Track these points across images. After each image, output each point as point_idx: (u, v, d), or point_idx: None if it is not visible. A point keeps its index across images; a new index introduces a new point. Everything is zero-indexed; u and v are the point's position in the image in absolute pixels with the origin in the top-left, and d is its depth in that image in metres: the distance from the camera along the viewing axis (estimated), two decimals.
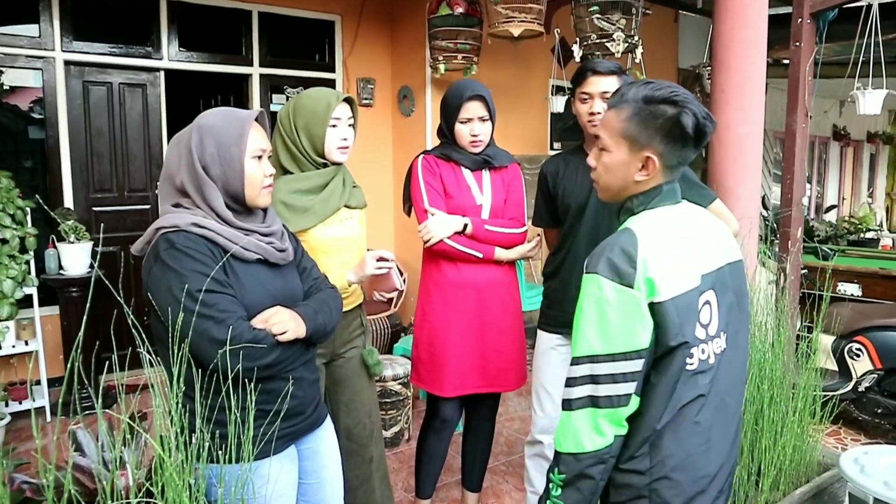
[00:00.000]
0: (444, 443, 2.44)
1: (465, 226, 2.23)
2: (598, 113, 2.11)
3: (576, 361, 1.20)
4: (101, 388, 1.47)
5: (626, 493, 1.23)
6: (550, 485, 1.25)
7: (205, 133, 1.42)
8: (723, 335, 1.27)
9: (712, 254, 1.28)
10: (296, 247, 1.64)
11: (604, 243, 1.23)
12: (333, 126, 1.97)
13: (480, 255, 2.25)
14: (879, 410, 3.39)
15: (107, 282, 1.31)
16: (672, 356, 1.19)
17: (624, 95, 1.26)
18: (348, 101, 2.02)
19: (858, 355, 3.40)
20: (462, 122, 2.22)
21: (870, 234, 8.87)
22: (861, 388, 3.43)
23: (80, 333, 1.29)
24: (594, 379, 1.18)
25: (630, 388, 1.17)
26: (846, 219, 9.81)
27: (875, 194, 11.81)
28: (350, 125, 2.03)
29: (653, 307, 1.16)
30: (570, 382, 1.21)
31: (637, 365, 1.17)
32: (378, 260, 1.96)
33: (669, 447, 1.21)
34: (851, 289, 4.20)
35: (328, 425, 1.70)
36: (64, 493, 1.14)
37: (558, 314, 2.25)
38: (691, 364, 1.21)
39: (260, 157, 1.47)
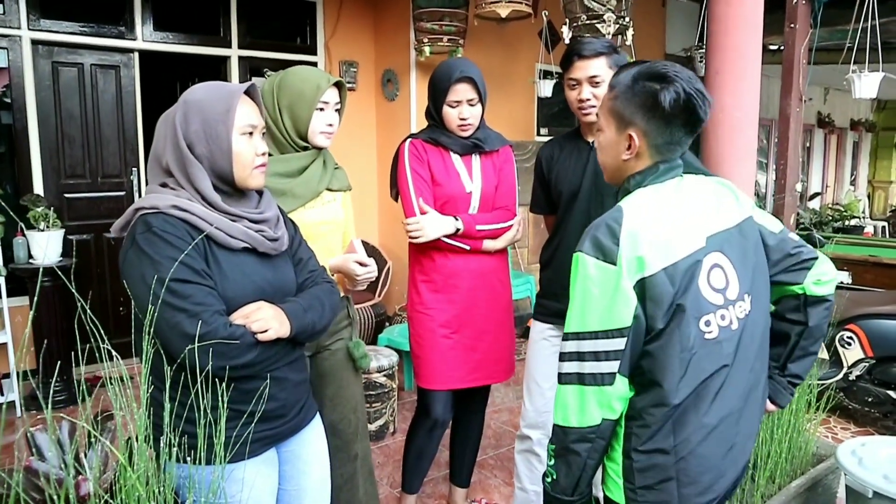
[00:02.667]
0: (434, 442, 2.35)
1: (457, 229, 2.13)
2: (588, 99, 2.00)
3: (565, 337, 1.22)
4: (80, 382, 1.33)
5: (652, 475, 1.20)
6: (547, 454, 1.26)
7: (190, 109, 1.31)
8: (747, 297, 1.26)
9: (720, 216, 1.27)
10: (293, 235, 1.53)
11: (594, 222, 1.23)
12: (320, 110, 1.86)
13: (468, 248, 2.17)
14: (870, 399, 3.36)
15: (61, 275, 1.19)
16: (671, 325, 1.17)
17: (619, 75, 1.29)
18: (338, 84, 1.91)
19: (850, 343, 3.36)
20: (450, 106, 2.11)
21: (854, 222, 8.93)
22: (852, 377, 3.40)
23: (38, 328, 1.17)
24: (580, 356, 1.18)
25: (613, 366, 1.17)
26: (831, 206, 9.87)
27: (857, 182, 11.90)
28: (336, 110, 1.93)
29: (643, 282, 1.15)
30: (561, 357, 1.22)
31: (619, 343, 1.16)
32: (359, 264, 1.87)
33: (694, 422, 1.19)
34: (841, 276, 4.17)
35: (315, 428, 1.58)
36: (12, 500, 1.04)
37: (552, 304, 2.16)
38: (710, 333, 1.19)
39: (251, 134, 1.35)
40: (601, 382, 1.17)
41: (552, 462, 1.25)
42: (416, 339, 2.24)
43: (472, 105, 2.12)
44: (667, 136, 1.23)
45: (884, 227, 9.87)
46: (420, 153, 2.16)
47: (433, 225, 2.10)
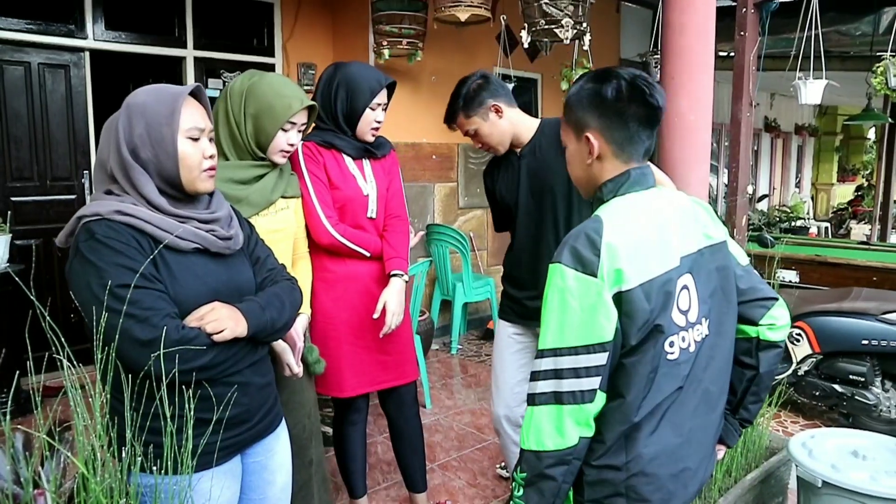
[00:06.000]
0: (360, 433, 2.37)
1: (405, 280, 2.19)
2: (481, 146, 2.18)
3: (540, 355, 1.15)
4: (10, 393, 1.30)
5: (601, 489, 1.17)
6: (514, 484, 1.20)
7: (133, 112, 1.28)
8: (704, 321, 1.23)
9: (692, 236, 1.24)
10: (249, 234, 1.50)
11: (572, 232, 1.19)
12: (285, 130, 1.84)
13: (368, 255, 2.17)
14: (817, 393, 3.49)
15: (16, 277, 1.16)
16: (647, 343, 1.14)
17: (570, 88, 1.28)
18: (309, 108, 1.89)
19: (798, 340, 3.49)
20: (372, 108, 2.11)
21: (799, 223, 9.27)
22: (800, 372, 3.53)
23: None
24: (557, 374, 1.13)
25: (594, 383, 1.12)
26: (778, 208, 10.22)
27: (802, 184, 12.35)
28: (300, 131, 1.91)
29: (620, 296, 1.12)
30: (534, 376, 1.16)
31: (601, 358, 1.11)
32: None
33: (645, 440, 1.16)
34: (789, 275, 4.32)
35: (281, 435, 1.56)
36: None
37: (514, 306, 2.26)
38: (672, 354, 1.17)
39: (197, 139, 1.32)
40: (581, 401, 1.11)
41: (521, 493, 1.17)
42: (321, 348, 2.16)
43: (383, 110, 2.16)
44: (622, 129, 1.21)
45: (826, 228, 10.28)
46: (315, 156, 2.10)
47: (398, 302, 2.13)
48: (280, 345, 1.78)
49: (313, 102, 1.89)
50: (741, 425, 1.44)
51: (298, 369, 1.82)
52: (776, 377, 3.37)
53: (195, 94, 1.34)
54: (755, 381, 1.38)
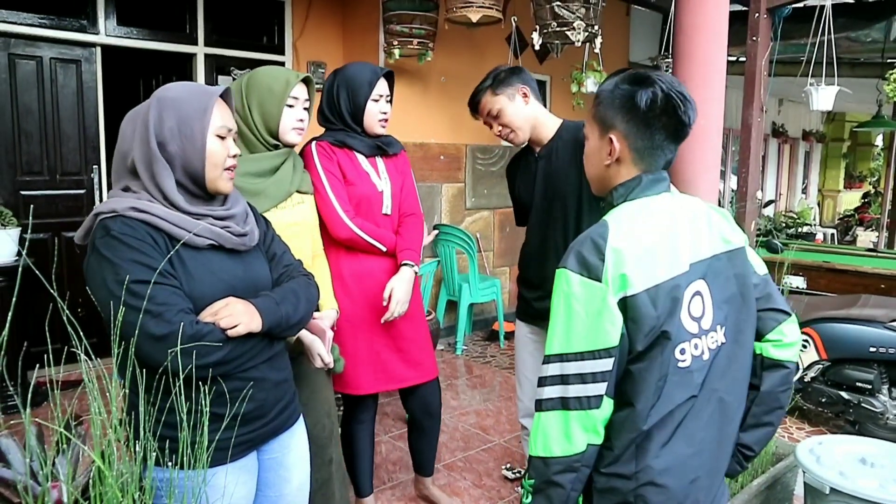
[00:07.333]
0: (368, 432, 2.39)
1: (415, 272, 2.21)
2: (500, 130, 2.15)
3: (547, 360, 1.15)
4: (30, 386, 1.30)
5: (610, 498, 1.16)
6: (523, 492, 1.19)
7: (165, 106, 1.29)
8: (720, 329, 1.21)
9: (705, 241, 1.21)
10: (265, 230, 1.51)
11: (578, 237, 1.18)
12: (290, 106, 1.88)
13: (384, 249, 2.19)
14: (823, 400, 3.48)
15: (36, 270, 1.16)
16: (654, 350, 1.13)
17: (604, 83, 1.26)
18: (306, 81, 1.93)
19: (805, 347, 3.48)
20: (374, 100, 2.14)
21: (805, 229, 9.25)
22: (807, 379, 3.52)
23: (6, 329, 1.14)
24: (564, 379, 1.12)
25: (600, 388, 1.11)
26: (784, 213, 10.20)
27: (808, 190, 12.33)
28: (305, 108, 1.94)
29: (625, 301, 1.11)
30: (541, 382, 1.15)
31: (607, 364, 1.11)
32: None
33: (656, 450, 1.14)
34: (797, 281, 4.31)
35: (298, 432, 1.56)
36: None
37: (526, 307, 2.28)
38: (683, 361, 1.15)
39: (224, 137, 1.34)
40: (587, 406, 1.11)
41: (529, 500, 1.16)
42: (338, 346, 2.17)
43: (388, 102, 2.19)
44: (647, 139, 1.19)
45: (833, 234, 10.25)
46: (329, 153, 2.14)
47: (405, 291, 2.14)
48: (309, 337, 1.77)
49: (308, 75, 1.93)
50: (742, 454, 1.33)
51: (330, 359, 1.80)
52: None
53: (223, 96, 1.37)
54: (756, 401, 1.31)
